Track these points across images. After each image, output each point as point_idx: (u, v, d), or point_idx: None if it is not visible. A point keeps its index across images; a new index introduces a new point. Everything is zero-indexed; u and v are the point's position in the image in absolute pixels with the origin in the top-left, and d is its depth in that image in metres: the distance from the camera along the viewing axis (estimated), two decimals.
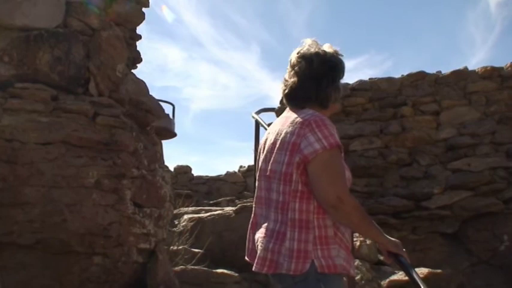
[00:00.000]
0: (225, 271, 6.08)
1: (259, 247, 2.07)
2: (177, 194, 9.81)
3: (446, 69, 8.68)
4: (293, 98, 2.18)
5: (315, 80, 2.15)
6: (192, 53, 54.15)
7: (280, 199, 2.05)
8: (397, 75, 9.05)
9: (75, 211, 3.79)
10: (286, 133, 2.06)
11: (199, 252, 6.47)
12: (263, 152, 2.23)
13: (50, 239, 3.75)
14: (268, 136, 2.24)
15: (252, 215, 2.26)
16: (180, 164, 15.82)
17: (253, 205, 2.27)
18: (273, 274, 2.02)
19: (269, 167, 2.12)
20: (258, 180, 2.23)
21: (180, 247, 6.40)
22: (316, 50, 2.18)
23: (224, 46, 49.81)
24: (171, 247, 6.20)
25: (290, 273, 1.94)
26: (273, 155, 2.11)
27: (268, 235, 2.05)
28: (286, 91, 2.20)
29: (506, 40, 37.72)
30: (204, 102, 54.73)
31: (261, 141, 2.34)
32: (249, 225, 2.26)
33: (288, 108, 2.22)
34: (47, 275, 3.81)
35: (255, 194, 2.26)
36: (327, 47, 2.22)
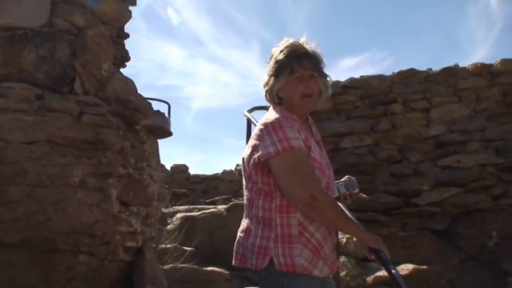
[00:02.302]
0: (215, 269, 6.09)
1: (237, 241, 2.17)
2: (174, 193, 9.82)
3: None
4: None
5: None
6: (192, 51, 54.10)
7: (248, 196, 2.15)
8: (392, 73, 9.08)
9: (60, 210, 3.79)
10: (254, 134, 2.15)
11: (189, 250, 6.49)
12: None
13: (35, 238, 3.75)
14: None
15: None
16: (178, 163, 15.85)
17: None
18: (243, 268, 2.11)
19: (243, 166, 2.21)
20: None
21: (170, 245, 6.41)
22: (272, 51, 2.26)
23: (224, 44, 49.79)
24: (161, 245, 6.21)
25: (252, 268, 2.02)
26: (244, 154, 2.19)
27: (242, 230, 2.16)
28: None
29: (508, 37, 37.73)
30: (204, 101, 54.72)
31: None
32: None
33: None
34: (33, 274, 3.81)
35: None
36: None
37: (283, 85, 2.17)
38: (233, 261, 2.15)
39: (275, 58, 2.20)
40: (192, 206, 9.39)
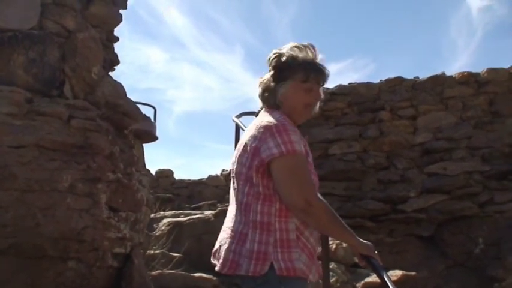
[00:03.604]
0: (203, 275, 6.04)
1: (222, 247, 2.06)
2: (158, 198, 9.75)
3: (428, 74, 8.81)
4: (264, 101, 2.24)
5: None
6: (175, 54, 53.84)
7: (244, 200, 2.07)
8: (380, 80, 9.16)
9: (49, 215, 3.74)
10: (251, 136, 2.08)
11: (177, 256, 6.44)
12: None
13: (23, 244, 3.68)
14: (242, 138, 2.24)
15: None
16: (162, 167, 15.75)
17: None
18: (232, 275, 2.00)
19: (236, 168, 2.15)
20: (232, 179, 2.23)
21: (158, 251, 6.36)
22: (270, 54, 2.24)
23: (207, 47, 49.71)
24: (149, 251, 6.16)
25: (249, 275, 1.94)
26: (238, 157, 2.13)
27: (232, 236, 2.05)
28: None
29: (488, 45, 38.32)
30: (187, 104, 54.47)
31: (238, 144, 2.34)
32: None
33: (261, 112, 2.24)
34: (20, 280, 3.74)
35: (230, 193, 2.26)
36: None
37: (289, 90, 2.14)
38: (220, 269, 2.03)
39: (286, 61, 2.15)
40: (178, 212, 9.32)
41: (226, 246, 2.05)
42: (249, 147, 2.07)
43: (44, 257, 3.78)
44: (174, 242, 6.78)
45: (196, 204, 12.01)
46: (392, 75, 9.03)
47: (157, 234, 7.14)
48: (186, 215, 8.27)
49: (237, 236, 2.04)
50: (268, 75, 2.20)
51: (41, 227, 3.69)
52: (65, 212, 3.83)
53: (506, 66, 8.38)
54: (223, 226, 2.21)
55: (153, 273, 5.53)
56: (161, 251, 6.41)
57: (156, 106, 12.79)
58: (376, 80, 9.18)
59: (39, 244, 3.72)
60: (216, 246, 2.16)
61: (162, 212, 8.71)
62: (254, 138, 2.06)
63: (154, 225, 7.66)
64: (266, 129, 2.03)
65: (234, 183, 2.19)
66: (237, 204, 2.12)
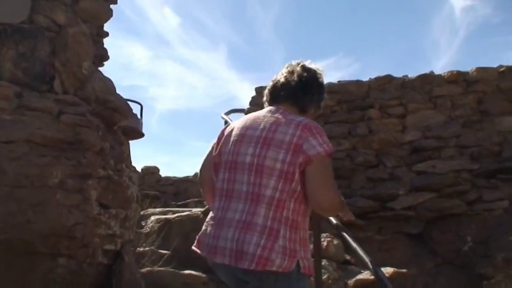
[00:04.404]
0: (193, 272, 6.03)
1: (243, 242, 2.01)
2: (145, 195, 9.70)
3: (411, 73, 8.92)
4: (294, 101, 2.33)
5: (312, 91, 2.37)
6: (158, 52, 53.47)
7: (276, 196, 2.05)
8: (364, 78, 9.19)
9: (39, 211, 3.69)
10: (285, 133, 2.11)
11: (166, 253, 6.41)
12: (232, 144, 2.23)
13: (13, 240, 3.63)
14: (241, 130, 2.25)
15: (217, 209, 2.19)
16: (148, 164, 15.65)
17: (222, 198, 2.18)
18: (254, 271, 1.97)
19: (261, 162, 2.10)
20: (224, 172, 2.20)
21: (147, 248, 6.32)
22: (312, 67, 2.40)
23: (191, 46, 49.45)
24: (138, 248, 6.12)
25: (279, 270, 1.96)
26: (263, 151, 2.12)
27: (259, 231, 2.01)
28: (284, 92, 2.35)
29: (471, 45, 38.64)
30: (170, 102, 54.13)
31: (226, 133, 2.33)
32: (211, 220, 2.19)
33: (270, 109, 2.30)
34: (10, 277, 3.69)
35: (224, 186, 2.19)
36: (313, 66, 2.42)
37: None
38: (242, 264, 1.98)
39: (321, 84, 2.43)
40: (166, 209, 9.28)
41: (252, 241, 1.99)
42: (286, 144, 2.08)
43: (34, 253, 3.74)
44: (163, 239, 6.75)
45: (183, 202, 11.96)
46: (375, 74, 9.07)
47: (146, 231, 7.09)
48: (174, 212, 8.23)
49: (267, 231, 2.01)
50: (296, 78, 2.34)
51: (31, 223, 3.65)
52: (55, 208, 3.79)
53: (489, 66, 8.46)
54: (217, 218, 2.16)
55: (143, 270, 5.50)
56: (150, 248, 6.38)
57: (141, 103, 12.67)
58: (360, 79, 9.22)
59: (30, 240, 3.67)
60: (210, 241, 2.11)
61: (150, 209, 8.67)
62: (292, 135, 2.09)
63: (143, 222, 7.61)
64: (306, 128, 2.10)
65: (237, 174, 2.15)
66: (258, 198, 2.08)
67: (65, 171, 3.94)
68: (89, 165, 4.14)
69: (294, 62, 2.40)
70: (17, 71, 4.07)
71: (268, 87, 2.41)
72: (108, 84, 5.08)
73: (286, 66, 2.41)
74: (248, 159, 2.13)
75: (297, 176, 2.05)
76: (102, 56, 5.70)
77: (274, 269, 1.95)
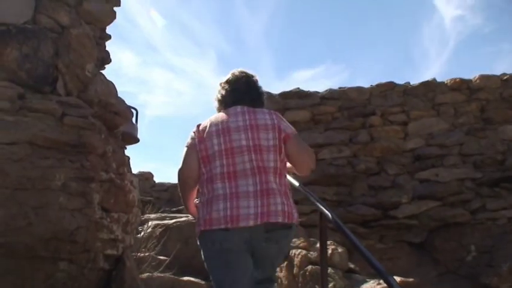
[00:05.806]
0: (192, 279, 5.97)
1: (270, 204, 2.47)
2: (140, 201, 9.60)
3: (400, 81, 8.85)
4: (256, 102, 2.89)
5: (261, 89, 2.97)
6: (147, 58, 53.19)
7: (277, 166, 2.60)
8: (371, 85, 9.13)
9: (41, 214, 3.60)
10: (265, 119, 2.68)
11: (165, 259, 6.33)
12: (218, 136, 2.63)
13: (14, 243, 3.54)
14: (222, 125, 2.66)
15: (222, 189, 2.52)
16: (142, 170, 15.54)
17: (225, 180, 2.54)
18: (282, 224, 2.50)
19: (257, 143, 2.60)
20: (221, 159, 2.58)
21: (147, 254, 6.24)
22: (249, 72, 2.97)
23: (179, 52, 49.26)
24: (138, 254, 6.04)
25: (294, 222, 2.57)
26: (255, 134, 2.61)
27: (278, 194, 2.53)
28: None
29: (461, 55, 38.69)
30: (159, 109, 53.88)
31: (205, 129, 2.70)
32: (224, 196, 2.50)
33: (235, 107, 2.77)
34: (10, 281, 3.60)
35: (224, 170, 2.56)
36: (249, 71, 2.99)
37: None
38: (275, 220, 2.47)
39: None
40: (163, 214, 9.23)
41: (278, 201, 2.50)
42: (270, 126, 2.64)
43: (35, 257, 3.65)
44: (161, 244, 6.68)
45: (178, 208, 11.87)
46: (364, 83, 9.05)
47: (146, 236, 7.02)
48: (171, 217, 8.18)
49: (282, 193, 2.55)
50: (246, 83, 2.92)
51: (32, 226, 3.56)
52: (58, 212, 3.71)
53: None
54: (228, 195, 2.50)
55: (142, 276, 5.43)
56: (150, 253, 6.30)
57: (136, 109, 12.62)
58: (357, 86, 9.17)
59: (31, 244, 3.58)
60: (230, 212, 2.44)
61: (147, 215, 8.59)
62: (272, 119, 2.68)
63: (139, 227, 7.53)
64: (276, 114, 2.75)
65: (240, 156, 2.56)
66: (265, 170, 2.55)
67: (68, 174, 3.86)
68: (92, 168, 4.07)
69: (235, 71, 2.94)
70: (20, 72, 3.99)
71: (218, 98, 2.91)
72: (110, 87, 5.02)
73: (228, 76, 2.92)
74: (244, 142, 2.59)
75: (284, 148, 2.64)
76: (104, 58, 5.62)
77: (294, 221, 2.57)
